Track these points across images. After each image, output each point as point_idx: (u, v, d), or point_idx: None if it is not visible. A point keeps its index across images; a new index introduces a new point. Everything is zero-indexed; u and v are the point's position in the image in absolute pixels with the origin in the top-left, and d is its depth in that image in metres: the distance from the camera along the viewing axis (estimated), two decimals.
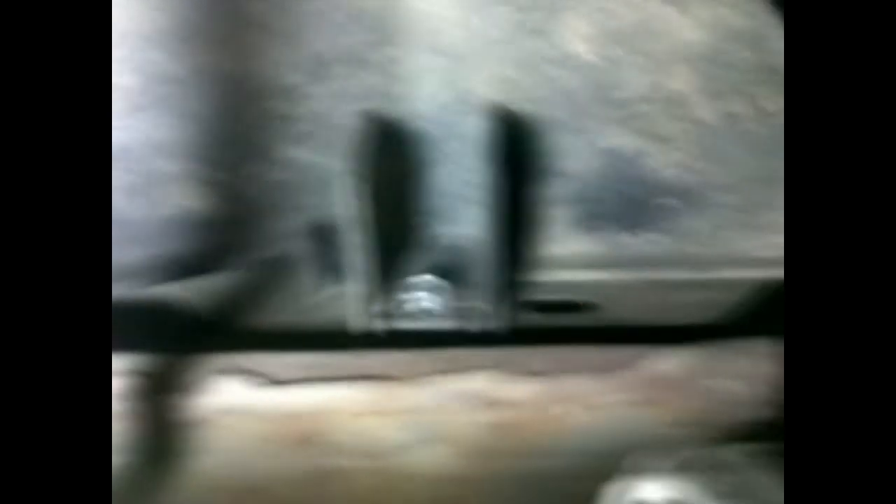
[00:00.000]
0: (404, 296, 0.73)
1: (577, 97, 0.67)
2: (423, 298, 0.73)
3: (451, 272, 0.74)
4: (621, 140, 0.69)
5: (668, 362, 0.64)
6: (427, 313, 0.72)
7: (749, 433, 0.63)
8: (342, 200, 0.65)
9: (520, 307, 0.74)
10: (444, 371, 0.65)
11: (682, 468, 0.42)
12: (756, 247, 0.72)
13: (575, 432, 0.64)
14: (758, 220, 0.71)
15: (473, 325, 0.70)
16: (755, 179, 0.69)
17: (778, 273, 0.75)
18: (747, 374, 0.62)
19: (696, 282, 0.74)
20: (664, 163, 0.69)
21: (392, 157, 0.73)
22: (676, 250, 0.73)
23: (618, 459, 0.63)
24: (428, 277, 0.74)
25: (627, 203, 0.71)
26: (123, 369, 0.60)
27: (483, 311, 0.70)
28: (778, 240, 0.72)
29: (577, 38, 0.66)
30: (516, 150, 0.70)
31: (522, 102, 0.69)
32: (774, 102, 0.67)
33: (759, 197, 0.70)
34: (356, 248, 0.66)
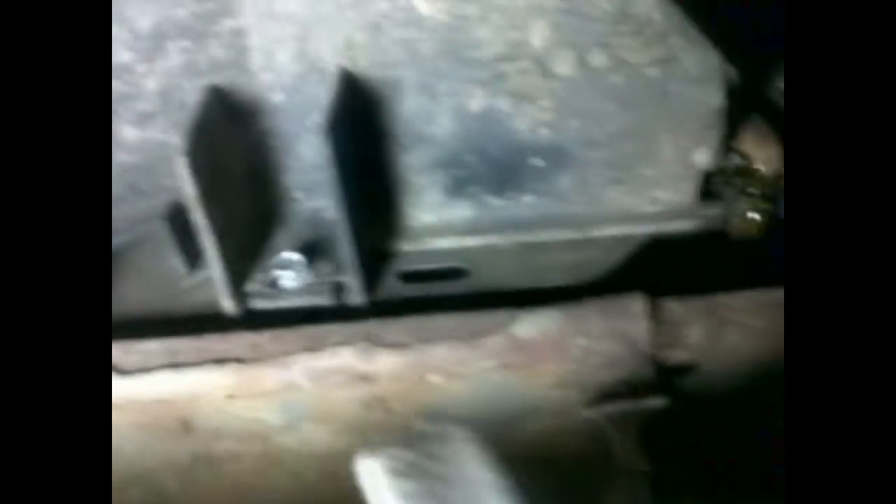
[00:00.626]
0: (269, 274, 0.71)
1: (432, 59, 0.64)
2: (289, 276, 0.70)
3: (316, 247, 0.72)
4: (483, 101, 0.66)
5: (535, 325, 0.63)
6: (293, 291, 0.70)
7: (622, 391, 0.64)
8: (185, 181, 0.62)
9: (389, 278, 0.73)
10: (310, 349, 0.63)
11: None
12: (627, 202, 0.72)
13: (447, 401, 0.63)
14: (628, 175, 0.70)
15: (339, 300, 0.69)
16: (623, 133, 0.68)
17: (650, 228, 0.77)
18: (616, 332, 0.63)
19: (568, 242, 0.73)
20: (530, 122, 0.67)
21: (242, 132, 0.69)
22: (548, 211, 0.71)
23: (494, 425, 0.63)
24: (293, 254, 0.71)
25: (495, 166, 0.69)
26: None
27: (348, 285, 0.68)
28: (648, 194, 0.72)
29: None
30: (371, 117, 0.67)
31: (375, 68, 0.66)
32: (636, 53, 0.66)
33: (628, 151, 0.69)
34: (205, 229, 0.63)
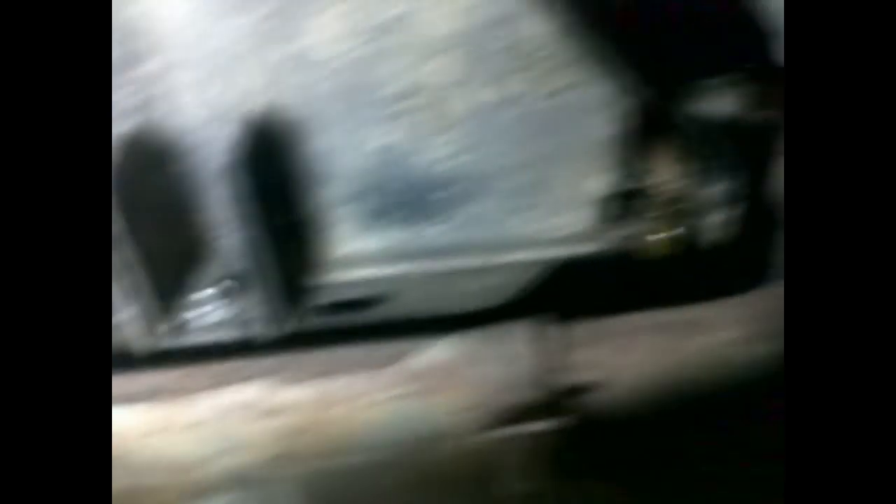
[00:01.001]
0: (190, 311, 0.73)
1: (333, 100, 0.66)
2: (208, 311, 0.73)
3: (233, 283, 0.73)
4: (392, 136, 0.69)
5: (431, 355, 0.66)
6: (213, 326, 0.72)
7: (515, 415, 0.66)
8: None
9: (308, 310, 0.75)
10: (223, 383, 0.65)
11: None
12: (531, 229, 0.74)
13: (353, 431, 0.66)
14: (528, 204, 0.73)
15: (254, 334, 0.70)
16: (519, 165, 0.71)
17: (551, 253, 0.79)
18: (506, 358, 0.65)
19: (476, 268, 0.76)
20: (429, 157, 0.70)
21: (158, 175, 0.71)
22: (456, 239, 0.74)
23: (401, 451, 0.65)
24: (210, 290, 0.73)
25: (401, 199, 0.72)
26: None
27: (265, 318, 0.69)
28: (549, 220, 0.74)
29: (330, 39, 0.65)
30: (277, 157, 0.69)
31: (276, 111, 0.68)
32: (529, 87, 0.69)
33: (525, 181, 0.72)
34: (127, 268, 0.65)
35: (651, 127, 0.80)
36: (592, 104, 0.69)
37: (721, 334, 0.65)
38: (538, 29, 0.68)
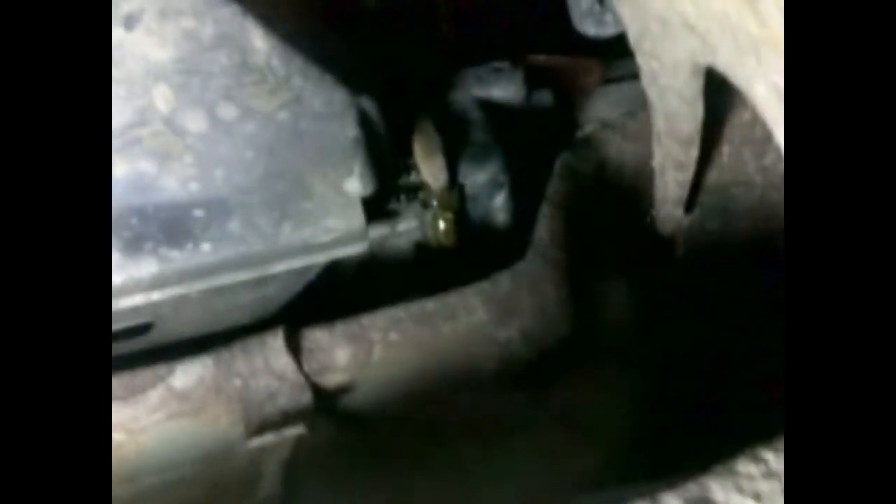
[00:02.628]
0: None
1: None
2: None
3: None
4: (126, 167, 0.69)
5: (192, 374, 0.67)
6: None
7: (282, 421, 0.67)
8: None
9: None
10: None
11: None
12: (302, 236, 0.74)
13: (132, 456, 0.66)
14: (292, 212, 0.73)
15: None
16: (270, 176, 0.71)
17: (323, 257, 0.80)
18: (264, 368, 0.66)
19: (249, 282, 0.76)
20: (177, 179, 0.70)
21: None
22: (227, 255, 0.73)
23: (177, 472, 0.66)
24: None
25: (160, 222, 0.71)
26: None
27: None
28: (319, 225, 0.74)
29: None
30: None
31: None
32: (263, 101, 0.69)
33: (281, 191, 0.72)
34: None
35: (406, 121, 0.82)
36: (328, 111, 0.70)
37: (470, 319, 0.67)
38: (265, 43, 0.69)
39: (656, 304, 0.74)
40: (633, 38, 0.72)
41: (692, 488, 0.43)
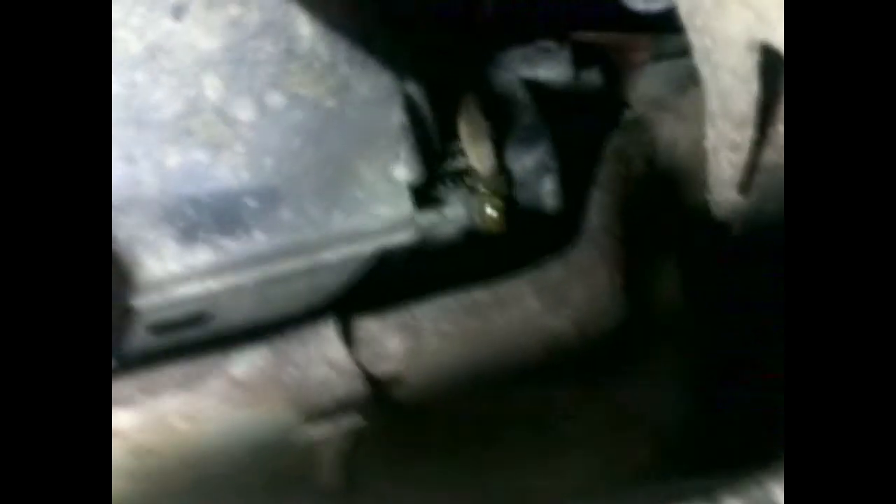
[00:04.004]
0: None
1: (118, 129, 0.66)
2: None
3: None
4: (179, 157, 0.69)
5: (249, 362, 0.67)
6: None
7: (337, 410, 0.68)
8: None
9: (139, 332, 0.76)
10: None
11: None
12: (352, 223, 0.74)
13: (192, 446, 0.67)
14: (341, 199, 0.73)
15: None
16: (319, 163, 0.71)
17: (374, 244, 0.79)
18: (318, 357, 0.66)
19: (302, 270, 0.76)
20: (229, 168, 0.70)
21: None
22: (280, 243, 0.73)
23: (239, 459, 0.67)
24: None
25: (213, 211, 0.72)
26: None
27: None
28: (368, 212, 0.73)
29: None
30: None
31: None
32: (310, 88, 0.69)
33: (330, 178, 0.72)
34: None
35: (451, 106, 0.81)
36: (375, 97, 0.69)
37: (520, 308, 0.66)
38: (310, 29, 0.69)
39: (712, 291, 0.72)
40: (684, 13, 0.70)
41: (754, 492, 0.41)
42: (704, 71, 0.72)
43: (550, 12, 1.03)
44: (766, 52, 0.64)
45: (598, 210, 0.72)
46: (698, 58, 0.72)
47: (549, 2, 1.04)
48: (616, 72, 0.95)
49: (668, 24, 0.84)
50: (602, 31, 1.00)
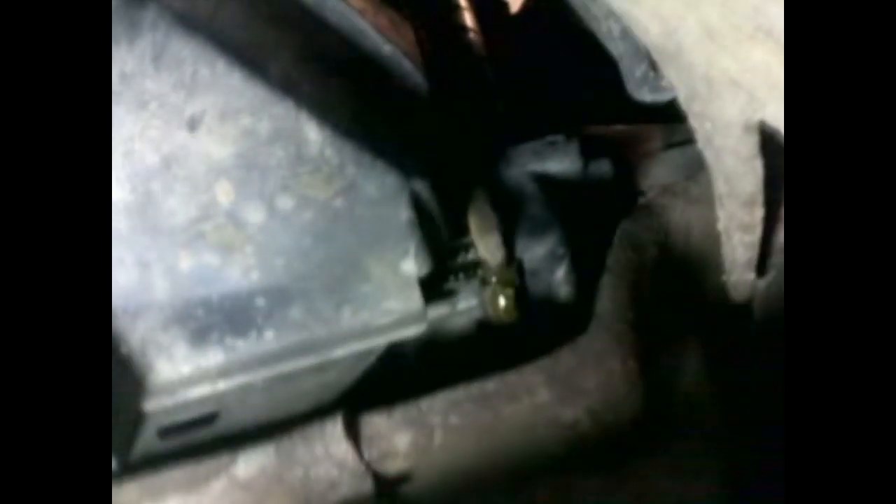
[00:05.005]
0: None
1: (132, 236, 0.69)
2: None
3: None
4: (191, 260, 0.72)
5: (253, 463, 0.68)
6: None
7: None
8: None
9: (147, 435, 0.77)
10: None
11: None
12: (362, 319, 0.75)
13: None
14: (350, 296, 0.75)
15: None
16: (328, 262, 0.74)
17: (383, 339, 0.80)
18: (324, 456, 0.66)
19: (311, 367, 0.78)
20: (240, 269, 0.73)
21: None
22: (290, 342, 0.75)
23: None
24: None
25: (224, 312, 0.73)
26: None
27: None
28: (378, 308, 0.75)
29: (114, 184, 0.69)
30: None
31: None
32: (319, 190, 0.73)
33: (339, 275, 0.74)
34: None
35: (460, 199, 0.83)
36: (382, 196, 0.72)
37: (532, 399, 0.66)
38: (318, 134, 0.73)
39: (734, 375, 0.71)
40: (683, 101, 0.73)
41: None
42: (709, 155, 0.74)
43: (560, 108, 1.08)
44: (765, 131, 0.65)
45: (609, 296, 0.73)
46: (701, 143, 0.74)
47: (559, 97, 1.09)
48: (626, 162, 0.99)
49: (676, 113, 0.87)
50: (613, 123, 1.05)
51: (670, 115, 0.93)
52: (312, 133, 0.71)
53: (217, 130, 0.70)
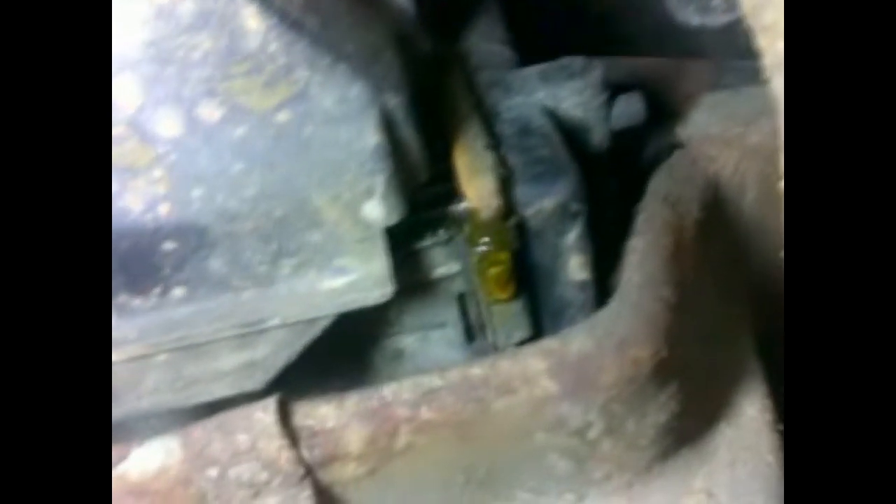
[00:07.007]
0: None
1: None
2: None
3: None
4: None
5: (150, 462, 0.62)
6: None
7: None
8: None
9: None
10: None
11: None
12: (306, 279, 0.71)
13: None
14: (292, 246, 0.69)
15: None
16: (265, 197, 0.67)
17: (335, 306, 0.76)
18: (250, 453, 0.61)
19: (235, 340, 0.72)
20: (144, 199, 0.66)
21: None
22: (206, 305, 0.70)
23: None
24: None
25: (124, 259, 0.68)
26: None
27: None
28: (328, 265, 0.71)
29: None
30: None
31: None
32: (257, 97, 0.65)
33: (280, 217, 0.68)
34: None
35: (447, 129, 0.78)
36: (342, 112, 0.66)
37: (531, 392, 0.61)
38: (260, 22, 0.67)
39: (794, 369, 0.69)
40: (750, 11, 0.70)
41: None
42: (778, 84, 0.72)
43: (581, 35, 1.04)
44: None
45: (637, 266, 0.67)
46: (771, 67, 0.72)
47: (583, 20, 1.05)
48: (663, 102, 0.96)
49: (731, 42, 0.84)
50: (647, 55, 1.02)
51: (723, 46, 0.92)
52: (252, 20, 0.64)
53: (122, 7, 0.63)
